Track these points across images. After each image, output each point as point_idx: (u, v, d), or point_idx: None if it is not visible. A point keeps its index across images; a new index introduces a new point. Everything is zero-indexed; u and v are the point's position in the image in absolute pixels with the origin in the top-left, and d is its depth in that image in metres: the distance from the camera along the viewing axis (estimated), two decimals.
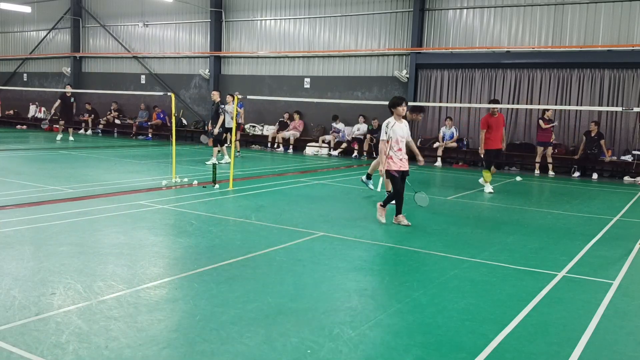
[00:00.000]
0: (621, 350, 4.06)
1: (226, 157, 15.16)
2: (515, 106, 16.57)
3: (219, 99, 14.98)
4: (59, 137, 20.13)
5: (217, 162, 13.75)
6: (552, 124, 15.45)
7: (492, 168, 11.95)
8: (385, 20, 18.88)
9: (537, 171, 15.86)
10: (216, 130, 14.68)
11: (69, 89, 20.29)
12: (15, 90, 26.95)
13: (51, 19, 27.05)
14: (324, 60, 20.26)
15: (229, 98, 16.71)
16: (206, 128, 15.30)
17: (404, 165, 7.87)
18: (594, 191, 12.96)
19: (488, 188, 11.56)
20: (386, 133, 7.82)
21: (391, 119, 7.92)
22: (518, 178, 11.88)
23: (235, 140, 14.97)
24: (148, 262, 5.75)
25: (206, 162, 14.50)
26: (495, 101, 12.23)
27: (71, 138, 20.39)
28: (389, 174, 7.94)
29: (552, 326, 4.42)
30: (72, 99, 20.20)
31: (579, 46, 15.82)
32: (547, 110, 15.34)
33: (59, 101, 20.06)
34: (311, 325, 4.27)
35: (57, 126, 20.96)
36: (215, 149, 14.85)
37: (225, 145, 15.38)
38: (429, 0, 18.05)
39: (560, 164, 16.04)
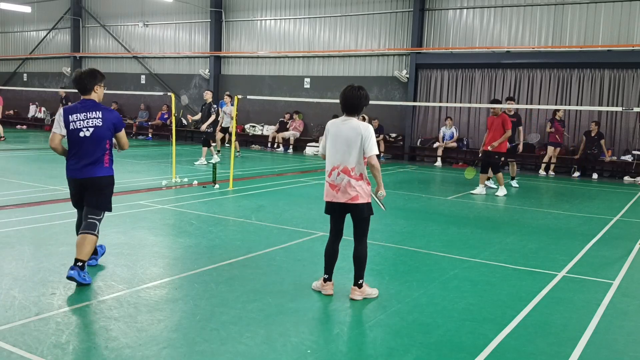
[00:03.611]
0: (621, 350, 4.07)
1: (215, 156, 15.07)
2: (515, 106, 16.48)
3: (211, 99, 14.95)
4: None
5: (206, 162, 13.81)
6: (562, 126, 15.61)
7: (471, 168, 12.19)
8: (385, 20, 18.88)
9: (542, 171, 15.83)
10: (203, 127, 14.59)
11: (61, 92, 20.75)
12: (15, 90, 26.94)
13: (51, 19, 27.04)
14: (324, 60, 20.26)
15: (227, 98, 16.77)
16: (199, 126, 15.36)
17: (337, 195, 4.82)
18: (594, 191, 12.96)
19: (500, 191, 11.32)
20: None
21: (335, 119, 5.01)
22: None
23: (235, 140, 15.05)
24: (148, 262, 5.75)
25: (195, 163, 14.49)
26: (495, 101, 11.98)
27: None
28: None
29: (552, 326, 4.43)
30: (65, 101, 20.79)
31: (579, 46, 15.82)
32: (558, 110, 15.36)
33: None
34: (311, 325, 4.27)
35: None
36: (205, 149, 14.82)
37: (214, 145, 15.30)
38: (429, 0, 18.04)
39: (560, 164, 16.04)
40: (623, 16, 15.25)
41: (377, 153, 4.78)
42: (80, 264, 4.89)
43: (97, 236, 5.10)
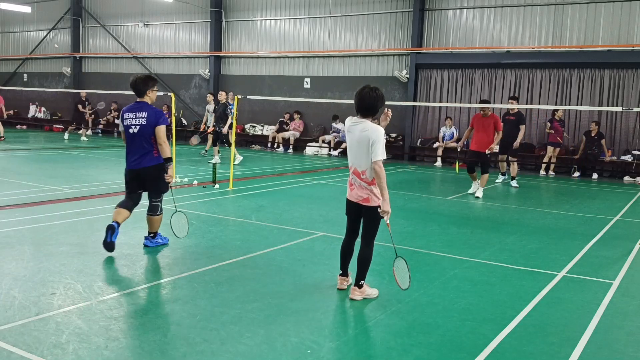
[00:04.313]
0: (621, 350, 4.06)
1: (216, 157, 15.11)
2: (515, 106, 16.54)
3: (225, 100, 15.04)
4: (82, 138, 20.73)
5: (215, 162, 13.89)
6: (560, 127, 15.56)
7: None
8: (385, 20, 18.88)
9: (542, 171, 15.82)
10: (225, 129, 14.82)
11: (83, 94, 21.23)
12: (15, 90, 26.93)
13: (51, 19, 27.04)
14: (324, 60, 20.26)
15: (209, 97, 16.89)
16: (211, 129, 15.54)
17: (352, 194, 4.90)
18: (594, 191, 12.96)
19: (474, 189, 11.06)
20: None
21: (350, 119, 4.93)
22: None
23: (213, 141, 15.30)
24: (148, 262, 5.76)
25: (210, 161, 14.61)
26: (485, 101, 11.51)
27: (66, 137, 20.87)
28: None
29: (552, 326, 4.43)
30: (87, 103, 21.26)
31: (579, 46, 15.82)
32: (557, 110, 15.35)
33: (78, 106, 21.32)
34: (311, 325, 4.27)
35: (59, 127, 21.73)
36: (216, 148, 15.02)
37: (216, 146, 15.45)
38: (429, 0, 18.04)
39: (560, 164, 16.04)
40: (623, 16, 15.25)
41: (383, 158, 4.62)
42: (152, 235, 6.28)
43: (161, 214, 6.24)
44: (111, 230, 5.85)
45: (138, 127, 5.91)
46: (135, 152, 5.98)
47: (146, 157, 5.97)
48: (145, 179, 6.07)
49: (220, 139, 15.08)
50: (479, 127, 10.89)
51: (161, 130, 5.92)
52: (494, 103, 16.97)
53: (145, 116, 5.91)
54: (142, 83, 6.01)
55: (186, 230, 6.40)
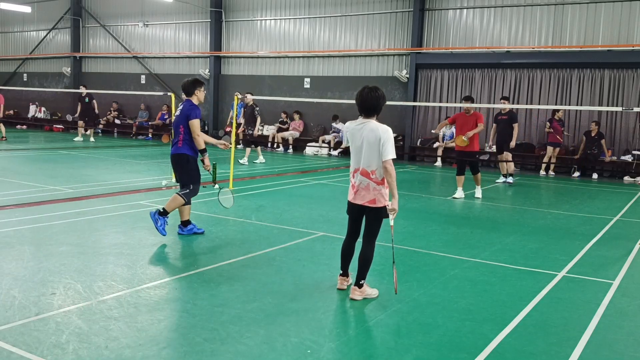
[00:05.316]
0: (621, 350, 4.07)
1: (260, 157, 15.78)
2: (515, 106, 16.54)
3: (252, 102, 15.11)
4: (77, 138, 20.01)
5: (247, 163, 14.68)
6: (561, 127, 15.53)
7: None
8: (385, 20, 18.88)
9: (542, 171, 15.81)
10: (256, 132, 15.19)
11: (82, 89, 20.09)
12: (15, 90, 26.91)
13: (51, 19, 27.04)
14: (324, 60, 20.26)
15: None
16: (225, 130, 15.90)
17: (356, 196, 4.89)
18: (594, 191, 12.96)
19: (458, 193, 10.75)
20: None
21: (353, 122, 4.98)
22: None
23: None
24: (148, 262, 5.76)
25: (240, 161, 14.87)
26: (468, 98, 11.10)
27: (92, 139, 20.09)
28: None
29: (552, 326, 4.43)
30: (87, 99, 19.96)
31: (579, 46, 15.82)
32: (558, 110, 15.34)
33: (79, 104, 20.24)
34: (311, 325, 4.27)
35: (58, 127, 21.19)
36: (248, 149, 15.28)
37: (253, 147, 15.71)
38: (429, 0, 18.04)
39: (560, 164, 16.04)
40: (623, 16, 15.25)
41: (394, 157, 4.67)
42: (162, 209, 6.65)
43: (184, 200, 6.72)
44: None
45: (175, 117, 6.93)
46: (173, 139, 6.93)
47: (175, 145, 6.82)
48: (172, 164, 7.00)
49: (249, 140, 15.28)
50: (462, 125, 10.63)
51: (193, 124, 6.65)
52: (493, 103, 16.99)
53: (181, 108, 6.80)
54: (189, 85, 6.88)
55: (232, 201, 7.44)
